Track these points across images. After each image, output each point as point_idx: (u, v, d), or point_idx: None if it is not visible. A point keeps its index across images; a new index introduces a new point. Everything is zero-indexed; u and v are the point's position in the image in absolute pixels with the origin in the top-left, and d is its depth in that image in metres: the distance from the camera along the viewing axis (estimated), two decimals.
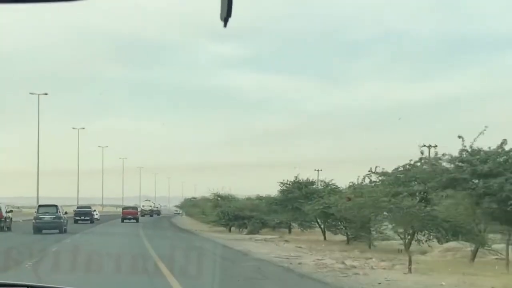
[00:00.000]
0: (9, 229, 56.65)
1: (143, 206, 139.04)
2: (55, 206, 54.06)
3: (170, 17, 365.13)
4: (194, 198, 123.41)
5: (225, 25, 3.27)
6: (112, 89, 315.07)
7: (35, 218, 53.05)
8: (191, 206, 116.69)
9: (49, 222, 51.71)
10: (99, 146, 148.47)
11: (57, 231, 50.74)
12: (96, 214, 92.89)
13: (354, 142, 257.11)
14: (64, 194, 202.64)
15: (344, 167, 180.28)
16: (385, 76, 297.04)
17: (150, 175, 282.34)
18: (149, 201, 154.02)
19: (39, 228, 51.04)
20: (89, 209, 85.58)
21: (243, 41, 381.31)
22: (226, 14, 3.21)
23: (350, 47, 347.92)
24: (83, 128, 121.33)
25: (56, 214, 52.93)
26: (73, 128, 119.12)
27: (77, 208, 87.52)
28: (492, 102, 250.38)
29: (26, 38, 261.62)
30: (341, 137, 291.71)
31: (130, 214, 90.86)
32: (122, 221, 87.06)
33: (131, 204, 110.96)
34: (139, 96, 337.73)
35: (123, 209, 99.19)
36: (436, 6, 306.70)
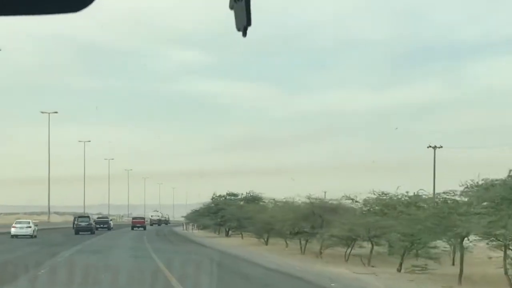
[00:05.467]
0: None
1: (151, 216, 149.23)
2: (88, 216, 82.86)
3: (134, 24, 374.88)
4: (233, 194, 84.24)
5: (244, 35, 3.33)
6: (77, 97, 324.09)
7: (75, 224, 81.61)
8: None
9: (84, 227, 79.48)
10: (105, 159, 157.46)
11: (89, 232, 76.79)
12: (112, 223, 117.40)
13: (321, 148, 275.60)
14: (69, 202, 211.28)
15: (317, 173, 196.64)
16: (348, 84, 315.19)
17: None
18: (157, 211, 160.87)
19: (78, 230, 77.62)
20: (107, 219, 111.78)
21: (207, 48, 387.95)
22: (246, 23, 3.27)
23: (314, 54, 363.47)
24: (89, 141, 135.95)
25: (89, 221, 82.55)
26: (79, 141, 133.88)
27: (98, 218, 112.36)
28: (455, 109, 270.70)
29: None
30: (307, 143, 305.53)
31: (138, 223, 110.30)
32: (132, 229, 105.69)
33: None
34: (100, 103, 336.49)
35: (132, 218, 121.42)
36: (400, 15, 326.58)
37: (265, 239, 57.80)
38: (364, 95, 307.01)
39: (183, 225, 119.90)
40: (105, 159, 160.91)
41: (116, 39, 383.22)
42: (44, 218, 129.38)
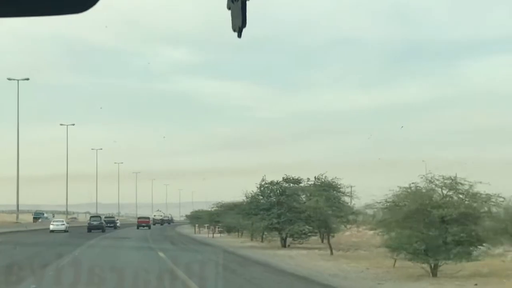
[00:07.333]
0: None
1: (154, 215, 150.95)
2: (99, 216, 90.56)
3: (125, 24, 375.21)
4: (295, 180, 51.20)
5: (239, 36, 3.30)
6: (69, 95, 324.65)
7: (88, 223, 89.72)
8: None
9: (96, 225, 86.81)
10: (92, 149, 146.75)
11: (100, 230, 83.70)
12: (118, 222, 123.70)
13: (312, 147, 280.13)
14: (50, 201, 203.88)
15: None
16: (339, 83, 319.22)
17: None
18: (160, 211, 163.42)
19: (90, 228, 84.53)
20: (113, 218, 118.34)
21: (198, 47, 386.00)
22: (241, 24, 3.26)
23: (305, 54, 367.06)
24: (73, 124, 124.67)
25: (100, 221, 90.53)
26: (61, 124, 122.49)
27: (105, 217, 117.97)
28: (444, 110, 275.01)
29: None
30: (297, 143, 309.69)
31: (143, 222, 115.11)
32: (138, 228, 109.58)
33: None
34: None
35: (138, 218, 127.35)
36: (391, 15, 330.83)
37: (432, 265, 25.75)
38: (359, 95, 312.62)
39: (194, 227, 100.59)
40: (92, 149, 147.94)
41: (111, 39, 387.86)
42: (25, 218, 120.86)
